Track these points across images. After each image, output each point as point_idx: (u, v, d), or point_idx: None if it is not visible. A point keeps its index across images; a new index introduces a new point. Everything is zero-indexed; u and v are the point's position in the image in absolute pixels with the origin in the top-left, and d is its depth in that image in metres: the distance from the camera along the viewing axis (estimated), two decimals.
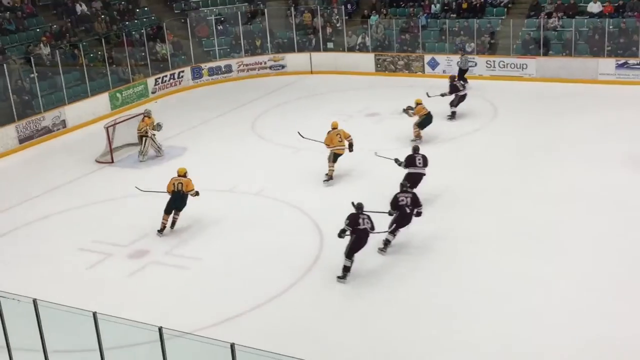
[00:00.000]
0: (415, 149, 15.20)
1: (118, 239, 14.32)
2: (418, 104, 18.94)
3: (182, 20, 27.81)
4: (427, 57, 25.69)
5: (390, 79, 25.61)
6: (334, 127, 16.45)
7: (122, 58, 25.02)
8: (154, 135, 18.99)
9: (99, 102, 23.39)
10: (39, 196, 17.00)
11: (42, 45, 23.60)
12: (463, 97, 20.48)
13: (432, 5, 27.01)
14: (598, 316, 10.65)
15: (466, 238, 13.43)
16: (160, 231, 14.34)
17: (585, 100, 21.58)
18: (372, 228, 12.17)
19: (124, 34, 25.32)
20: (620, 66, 22.85)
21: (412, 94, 22.31)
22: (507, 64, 24.40)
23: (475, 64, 24.72)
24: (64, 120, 22.18)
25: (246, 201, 15.98)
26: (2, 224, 15.51)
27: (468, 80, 22.61)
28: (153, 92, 25.17)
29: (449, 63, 25.25)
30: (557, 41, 24.27)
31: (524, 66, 24.17)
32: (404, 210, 12.86)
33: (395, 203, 12.94)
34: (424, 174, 14.72)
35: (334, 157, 16.44)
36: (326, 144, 16.49)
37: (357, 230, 12.08)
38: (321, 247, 13.48)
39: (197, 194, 14.43)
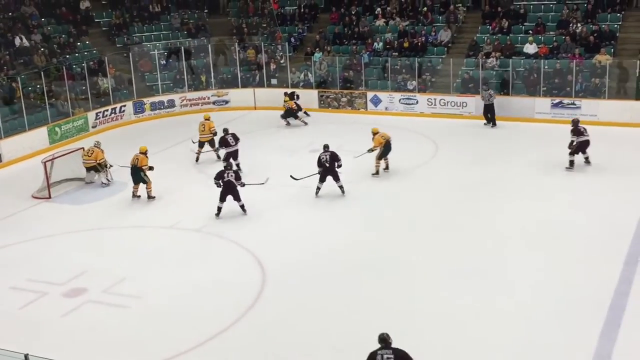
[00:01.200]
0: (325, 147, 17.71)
1: (53, 277, 13.91)
2: (375, 133, 19.11)
3: (125, 55, 27.59)
4: (370, 94, 26.03)
5: (334, 116, 25.83)
6: None
7: (61, 92, 24.63)
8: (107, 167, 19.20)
9: (37, 136, 22.91)
10: None
11: None
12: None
13: (375, 44, 27.45)
14: (539, 348, 10.77)
15: (400, 271, 13.49)
16: (133, 196, 17.97)
17: (522, 138, 22.11)
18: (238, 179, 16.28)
19: (64, 67, 24.97)
20: (555, 105, 23.54)
21: (355, 130, 22.69)
22: (447, 102, 24.88)
23: (417, 102, 25.15)
24: None
25: (188, 237, 15.76)
26: None
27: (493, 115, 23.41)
28: (93, 127, 24.80)
29: (391, 100, 25.62)
30: (495, 80, 24.89)
31: (464, 104, 24.69)
32: (325, 165, 17.25)
33: (318, 161, 17.41)
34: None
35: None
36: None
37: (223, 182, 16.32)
38: (263, 283, 13.34)
39: (150, 168, 17.88)
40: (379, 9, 28.87)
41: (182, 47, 27.94)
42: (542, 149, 20.71)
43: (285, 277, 13.51)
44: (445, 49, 26.81)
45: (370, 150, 19.22)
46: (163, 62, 27.97)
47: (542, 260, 13.69)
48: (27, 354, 8.35)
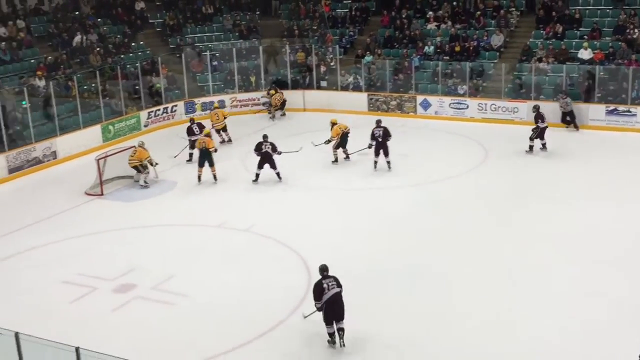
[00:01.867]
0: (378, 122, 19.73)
1: (104, 272, 14.20)
2: (333, 124, 20.60)
3: (177, 55, 27.97)
4: (420, 98, 25.88)
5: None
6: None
7: (115, 91, 25.10)
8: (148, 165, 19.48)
9: (91, 134, 23.39)
10: (26, 227, 16.88)
11: (37, 78, 23.63)
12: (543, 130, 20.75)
13: (426, 47, 27.27)
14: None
15: (446, 277, 13.38)
16: (199, 179, 19.25)
17: (574, 144, 21.73)
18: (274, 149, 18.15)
19: (118, 67, 25.43)
20: (610, 112, 23.06)
21: (404, 134, 22.59)
22: (498, 107, 24.59)
23: (467, 106, 24.92)
24: (54, 152, 22.14)
25: (235, 237, 15.90)
26: None
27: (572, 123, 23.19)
28: (145, 126, 25.20)
29: (441, 104, 25.43)
30: (548, 86, 24.50)
31: (515, 109, 24.36)
32: (378, 140, 19.15)
33: (372, 136, 19.31)
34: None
35: None
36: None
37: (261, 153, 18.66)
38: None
39: (215, 150, 19.41)
40: (430, 13, 28.68)
41: (234, 49, 28.19)
42: (593, 156, 20.34)
43: None
44: (498, 53, 26.50)
45: (328, 141, 20.65)
46: (215, 63, 28.26)
47: (588, 268, 13.45)
48: (78, 347, 8.53)
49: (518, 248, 14.58)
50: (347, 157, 20.72)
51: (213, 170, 19.41)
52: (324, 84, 27.89)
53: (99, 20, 28.94)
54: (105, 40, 27.89)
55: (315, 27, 30.06)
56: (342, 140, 20.43)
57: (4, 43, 24.79)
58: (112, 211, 17.84)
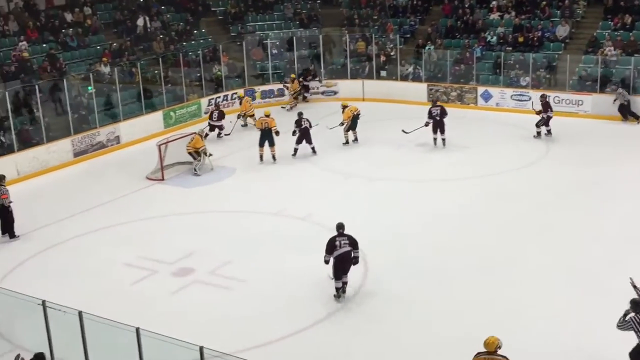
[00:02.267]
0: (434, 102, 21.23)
1: (164, 256, 14.45)
2: (344, 107, 21.48)
3: (238, 43, 28.20)
4: (481, 89, 25.51)
5: None
6: (490, 351, 8.91)
7: (177, 78, 25.45)
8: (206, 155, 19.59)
9: (153, 120, 23.79)
10: (89, 210, 17.30)
11: (102, 64, 24.15)
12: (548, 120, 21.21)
13: (488, 37, 26.82)
14: None
15: (506, 271, 13.19)
16: (260, 158, 20.04)
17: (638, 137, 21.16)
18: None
19: (180, 54, 25.76)
20: None
21: (464, 125, 22.29)
22: (562, 100, 24.04)
23: (530, 99, 24.45)
24: (118, 136, 22.61)
25: (293, 225, 15.97)
26: (52, 236, 15.80)
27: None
28: (206, 112, 25.48)
29: (503, 96, 25.02)
30: (615, 78, 23.82)
31: (580, 102, 23.78)
32: (435, 118, 20.34)
33: (429, 114, 20.53)
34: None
35: None
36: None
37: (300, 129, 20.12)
38: (364, 277, 13.35)
39: (277, 133, 19.95)
40: (494, 2, 28.19)
41: (294, 37, 28.25)
42: None
43: (386, 273, 13.47)
44: (562, 44, 25.89)
45: (342, 124, 21.41)
46: (275, 51, 28.38)
47: None
48: (138, 328, 8.70)
49: (585, 243, 14.26)
50: (356, 140, 21.57)
51: (273, 151, 20.11)
52: (383, 73, 27.71)
53: (162, 7, 29.35)
54: (168, 27, 28.29)
55: (375, 17, 29.87)
56: (352, 123, 21.35)
57: (71, 30, 25.37)
58: (172, 196, 18.13)
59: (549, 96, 21.99)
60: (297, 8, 30.88)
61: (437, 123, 20.64)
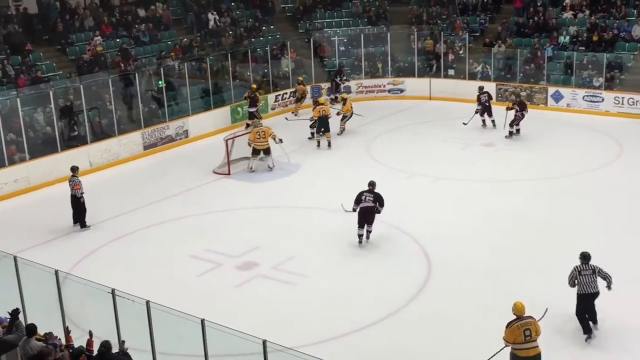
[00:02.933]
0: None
1: (228, 249, 14.64)
2: (319, 103, 21.86)
3: (306, 40, 28.31)
4: (552, 90, 24.96)
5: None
6: (519, 315, 9.85)
7: (245, 73, 25.73)
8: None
9: (221, 115, 24.12)
10: (157, 201, 17.67)
11: (171, 59, 24.62)
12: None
13: (560, 37, 26.22)
14: None
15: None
16: (318, 144, 21.29)
17: None
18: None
19: (249, 50, 26.02)
20: None
21: (533, 126, 21.86)
22: (636, 101, 23.30)
23: (603, 100, 23.81)
24: (186, 130, 23.02)
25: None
26: (122, 226, 16.21)
27: None
28: (272, 108, 25.70)
29: (574, 97, 24.43)
30: None
31: None
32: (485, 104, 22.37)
33: (478, 100, 22.39)
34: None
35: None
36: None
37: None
38: (428, 277, 13.26)
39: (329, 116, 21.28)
40: (567, 1, 27.53)
41: (362, 35, 28.20)
42: None
43: (448, 272, 13.34)
44: (638, 44, 25.09)
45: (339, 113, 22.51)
46: (342, 48, 28.41)
47: None
48: (204, 319, 8.84)
49: None
50: (329, 145, 21.58)
51: (328, 137, 21.21)
52: (451, 72, 27.41)
53: (232, 4, 29.69)
54: (238, 24, 28.61)
55: (444, 15, 29.56)
56: (321, 123, 21.40)
57: (143, 25, 25.93)
58: (238, 190, 18.35)
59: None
60: (366, 5, 30.81)
61: (486, 108, 22.29)
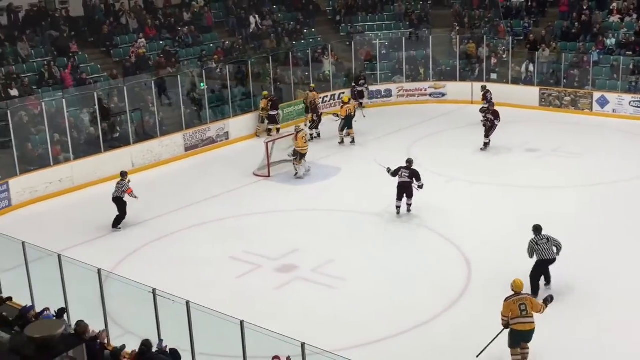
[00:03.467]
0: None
1: (268, 251, 14.67)
2: (345, 102, 22.39)
3: (347, 43, 28.28)
4: (597, 95, 24.52)
5: (555, 115, 24.64)
6: (516, 291, 10.62)
7: (286, 76, 25.79)
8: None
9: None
10: (198, 202, 17.80)
11: (214, 61, 24.81)
12: None
13: (607, 41, 25.74)
14: None
15: (615, 284, 12.60)
16: (341, 142, 22.10)
17: None
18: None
19: (290, 53, 26.08)
20: None
21: (577, 132, 21.50)
22: None
23: None
24: (227, 132, 23.16)
25: (396, 226, 15.88)
26: (163, 226, 16.36)
27: None
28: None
29: (620, 102, 23.97)
30: None
31: None
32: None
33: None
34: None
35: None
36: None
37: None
38: (468, 282, 13.12)
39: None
40: (614, 4, 27.02)
41: (404, 38, 28.07)
42: None
43: (488, 278, 13.16)
44: None
45: (336, 115, 22.31)
46: (383, 51, 28.31)
47: None
48: (243, 321, 8.85)
49: None
50: (353, 141, 22.19)
51: (351, 133, 22.03)
52: (494, 76, 27.09)
53: (274, 7, 29.81)
54: (279, 26, 28.69)
55: (487, 18, 29.25)
56: (347, 121, 21.94)
57: (186, 28, 26.18)
58: (278, 193, 18.39)
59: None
60: (408, 8, 30.65)
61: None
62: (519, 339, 10.36)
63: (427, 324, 11.79)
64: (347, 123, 22.04)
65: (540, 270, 12.38)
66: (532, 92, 25.72)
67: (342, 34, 29.68)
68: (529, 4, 29.17)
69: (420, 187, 16.10)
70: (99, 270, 10.56)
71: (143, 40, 24.68)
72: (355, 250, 14.64)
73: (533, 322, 10.25)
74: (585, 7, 27.30)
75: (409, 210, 16.21)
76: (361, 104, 25.58)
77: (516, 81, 26.42)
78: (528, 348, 10.46)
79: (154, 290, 9.85)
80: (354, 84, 26.35)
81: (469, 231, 15.25)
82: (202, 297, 10.90)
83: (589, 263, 13.55)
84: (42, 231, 16.05)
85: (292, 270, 13.87)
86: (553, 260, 12.37)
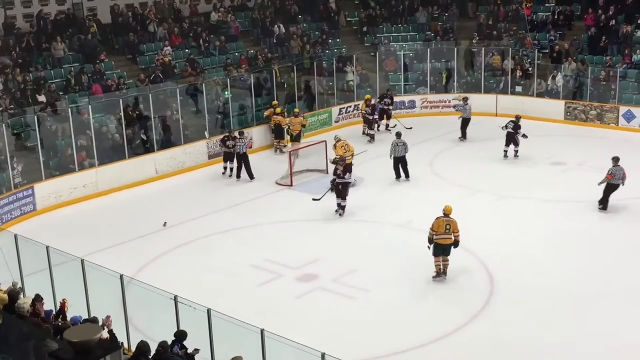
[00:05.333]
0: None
1: (289, 260, 14.67)
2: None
3: (372, 54, 28.27)
4: (623, 109, 24.27)
5: (580, 129, 24.41)
6: (446, 214, 13.55)
7: (310, 85, 25.82)
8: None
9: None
10: (220, 211, 17.85)
11: (238, 70, 24.93)
12: None
13: (633, 55, 25.49)
14: None
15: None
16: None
17: None
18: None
19: (314, 63, 26.10)
20: None
21: (602, 146, 21.28)
22: None
23: None
24: (250, 140, 23.18)
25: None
26: (185, 234, 16.42)
27: None
28: (336, 121, 25.71)
29: None
30: None
31: None
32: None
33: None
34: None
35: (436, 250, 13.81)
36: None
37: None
38: (490, 295, 13.01)
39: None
40: None
41: (428, 49, 28.00)
42: None
43: (512, 292, 13.08)
44: None
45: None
46: (407, 62, 28.28)
47: None
48: (263, 330, 8.85)
49: None
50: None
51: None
52: (518, 89, 26.93)
53: (299, 16, 29.88)
54: (304, 36, 28.75)
55: (512, 31, 29.08)
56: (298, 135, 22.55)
57: (212, 36, 26.33)
58: (300, 202, 18.37)
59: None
60: (433, 20, 30.58)
61: (510, 137, 21.06)
62: (439, 250, 13.48)
63: (448, 337, 11.70)
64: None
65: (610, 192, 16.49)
66: (557, 106, 25.52)
67: (366, 44, 29.68)
68: (555, 17, 28.99)
69: (524, 136, 19.67)
70: (121, 276, 10.61)
71: (169, 48, 24.86)
72: (377, 261, 14.58)
73: (451, 239, 13.40)
74: (612, 22, 27.06)
75: (516, 156, 20.46)
76: (387, 126, 25.02)
77: (541, 94, 26.24)
78: (448, 260, 13.56)
79: (175, 297, 9.88)
80: (378, 100, 25.41)
81: (492, 244, 15.14)
82: (223, 304, 10.91)
83: (610, 278, 13.37)
84: (65, 236, 16.19)
85: (313, 279, 13.85)
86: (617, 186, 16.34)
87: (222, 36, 26.67)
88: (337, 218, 17.16)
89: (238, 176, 20.19)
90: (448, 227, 13.36)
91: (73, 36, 23.97)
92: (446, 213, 13.52)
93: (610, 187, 16.68)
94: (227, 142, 20.42)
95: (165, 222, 16.88)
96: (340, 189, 17.11)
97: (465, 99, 24.00)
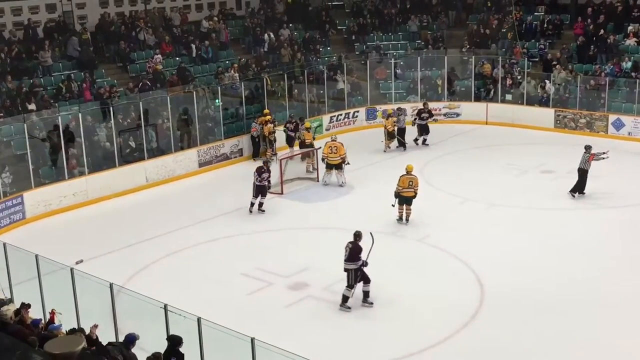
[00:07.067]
0: None
1: (279, 269, 14.64)
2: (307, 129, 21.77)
3: (362, 62, 28.34)
4: (612, 117, 24.41)
5: (569, 137, 24.50)
6: (408, 172, 17.01)
7: (301, 93, 25.83)
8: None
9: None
10: (211, 219, 17.80)
11: (228, 78, 24.92)
12: None
13: (622, 64, 25.66)
14: None
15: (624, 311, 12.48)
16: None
17: None
18: None
19: (305, 70, 26.13)
20: None
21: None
22: None
23: None
24: (241, 149, 23.22)
25: (409, 246, 15.81)
26: (174, 242, 16.37)
27: None
28: (327, 129, 25.72)
29: (636, 125, 23.85)
30: None
31: None
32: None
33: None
34: None
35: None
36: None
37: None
38: (480, 304, 13.02)
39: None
40: (631, 27, 26.95)
41: (419, 58, 28.06)
42: None
43: (502, 301, 13.09)
44: None
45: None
46: (398, 70, 28.34)
47: None
48: (254, 338, 8.81)
49: None
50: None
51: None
52: (508, 97, 27.04)
53: (290, 25, 29.90)
54: (295, 43, 28.77)
55: (503, 39, 29.21)
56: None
57: (205, 42, 26.32)
58: (290, 210, 18.37)
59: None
60: (423, 28, 30.68)
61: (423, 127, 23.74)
62: (403, 201, 16.68)
63: (437, 345, 11.68)
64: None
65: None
66: (547, 114, 25.65)
67: (357, 52, 29.74)
68: (545, 26, 29.14)
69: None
70: (111, 285, 10.57)
71: (159, 56, 24.83)
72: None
73: (413, 192, 16.60)
74: (600, 31, 27.22)
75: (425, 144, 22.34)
76: (425, 140, 24.33)
77: (531, 102, 26.35)
78: (410, 210, 16.75)
79: (165, 305, 9.84)
80: (415, 117, 24.58)
81: (482, 253, 15.16)
82: (213, 313, 10.87)
83: (602, 286, 13.42)
84: (55, 244, 16.12)
85: (304, 288, 13.83)
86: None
87: (213, 43, 26.66)
88: (326, 226, 17.13)
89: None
90: (411, 182, 16.63)
91: (64, 44, 23.90)
92: (408, 171, 16.78)
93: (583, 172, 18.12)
94: (263, 174, 18.18)
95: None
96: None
97: (399, 109, 24.17)
